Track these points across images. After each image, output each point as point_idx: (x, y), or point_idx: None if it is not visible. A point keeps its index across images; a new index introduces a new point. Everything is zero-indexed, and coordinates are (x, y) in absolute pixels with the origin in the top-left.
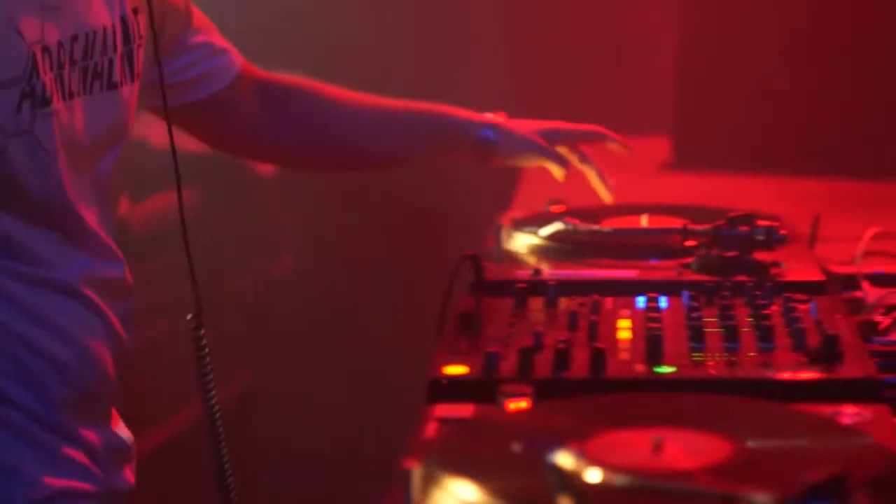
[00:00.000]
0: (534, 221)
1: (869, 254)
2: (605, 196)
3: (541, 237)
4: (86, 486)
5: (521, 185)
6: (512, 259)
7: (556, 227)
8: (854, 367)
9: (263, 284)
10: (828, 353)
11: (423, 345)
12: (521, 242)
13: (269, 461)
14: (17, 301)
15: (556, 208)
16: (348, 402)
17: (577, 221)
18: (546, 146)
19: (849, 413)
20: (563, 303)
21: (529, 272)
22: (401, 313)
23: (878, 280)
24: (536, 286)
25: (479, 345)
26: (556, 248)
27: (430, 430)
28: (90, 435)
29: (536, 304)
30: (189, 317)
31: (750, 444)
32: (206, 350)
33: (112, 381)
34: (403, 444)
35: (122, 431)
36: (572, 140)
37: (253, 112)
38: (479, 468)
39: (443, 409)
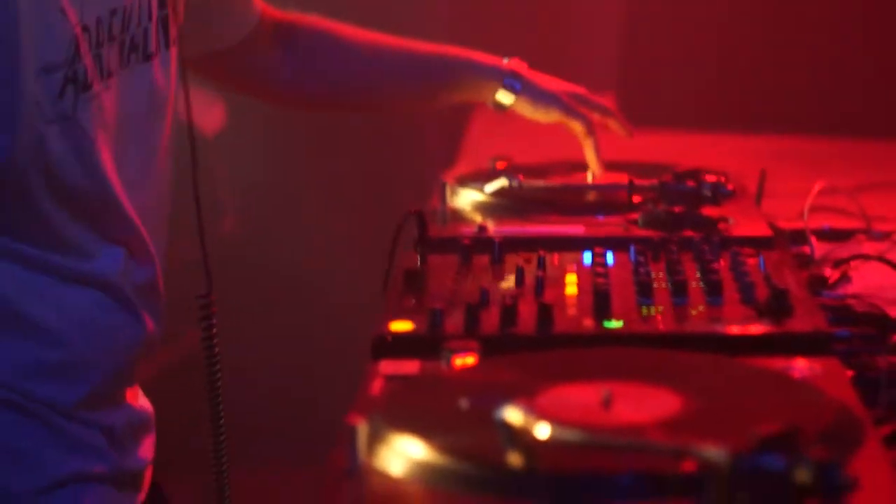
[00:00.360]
0: (478, 178)
1: (816, 209)
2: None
3: (486, 194)
4: (99, 468)
5: (465, 142)
6: (457, 216)
7: (501, 183)
8: (804, 320)
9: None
10: (777, 306)
11: (368, 302)
12: (466, 199)
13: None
14: (47, 294)
15: (500, 165)
16: (295, 359)
17: (522, 178)
18: (570, 104)
19: (799, 367)
20: (509, 259)
21: (474, 229)
22: (345, 271)
23: (826, 235)
24: (482, 243)
25: (425, 301)
26: (502, 205)
27: (376, 386)
28: (109, 418)
29: (482, 260)
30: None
31: (700, 398)
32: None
33: (138, 369)
34: (350, 402)
35: (142, 403)
36: (590, 108)
37: (274, 63)
38: (426, 424)
39: (388, 366)
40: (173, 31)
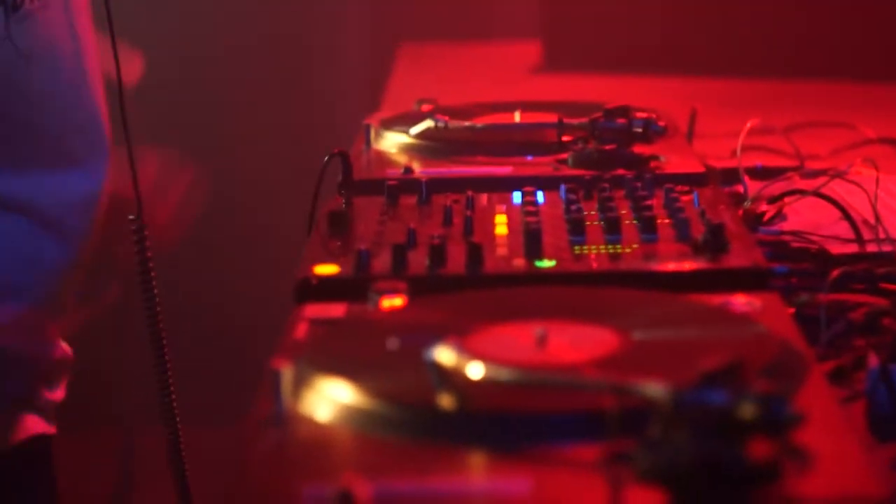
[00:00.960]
0: (403, 121)
1: (748, 148)
2: None
3: (411, 136)
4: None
5: (389, 86)
6: (382, 159)
7: (427, 124)
8: (741, 256)
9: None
10: (713, 242)
11: (293, 246)
12: (391, 142)
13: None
14: None
15: (426, 107)
16: (219, 304)
17: (447, 119)
18: None
19: (739, 302)
20: (437, 200)
21: (400, 171)
22: (269, 214)
23: (759, 173)
24: (408, 184)
25: (350, 244)
26: (428, 147)
27: (300, 330)
28: (37, 348)
29: (409, 202)
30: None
31: (638, 335)
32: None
33: (59, 305)
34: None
35: (65, 347)
36: None
37: None
38: (353, 367)
39: (313, 310)
40: None
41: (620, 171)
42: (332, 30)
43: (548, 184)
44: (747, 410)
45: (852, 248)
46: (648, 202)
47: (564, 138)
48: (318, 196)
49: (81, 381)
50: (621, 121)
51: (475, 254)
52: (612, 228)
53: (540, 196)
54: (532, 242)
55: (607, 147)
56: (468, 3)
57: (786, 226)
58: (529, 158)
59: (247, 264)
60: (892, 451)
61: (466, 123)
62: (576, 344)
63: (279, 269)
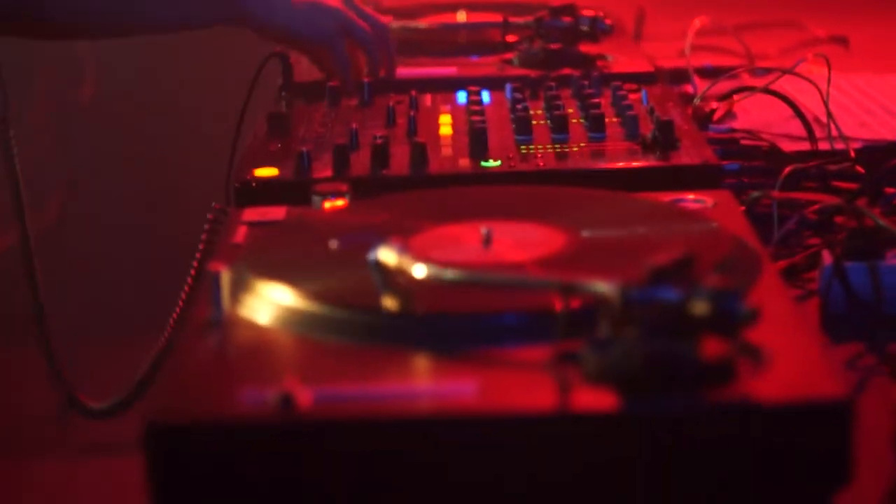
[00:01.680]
0: None
1: (696, 48)
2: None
3: None
4: None
5: None
6: None
7: None
8: (691, 153)
9: (66, 113)
10: (663, 140)
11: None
12: None
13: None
14: None
15: (368, 8)
16: (154, 211)
17: (390, 19)
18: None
19: (690, 200)
20: (379, 102)
21: None
22: (204, 117)
23: (708, 73)
24: (350, 85)
25: (291, 146)
26: None
27: (239, 234)
28: None
29: (350, 104)
30: None
31: (587, 233)
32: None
33: None
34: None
35: None
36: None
37: None
38: (293, 270)
39: (252, 213)
40: None
41: (567, 71)
42: None
43: (493, 84)
44: (699, 307)
45: (804, 146)
46: (596, 101)
47: (510, 38)
48: (251, 95)
49: None
50: (567, 19)
51: (419, 154)
52: (560, 127)
53: (485, 96)
54: (477, 142)
55: (553, 46)
56: None
57: (736, 124)
58: (475, 59)
59: (184, 167)
60: (846, 350)
61: (410, 24)
62: (522, 243)
63: (215, 173)
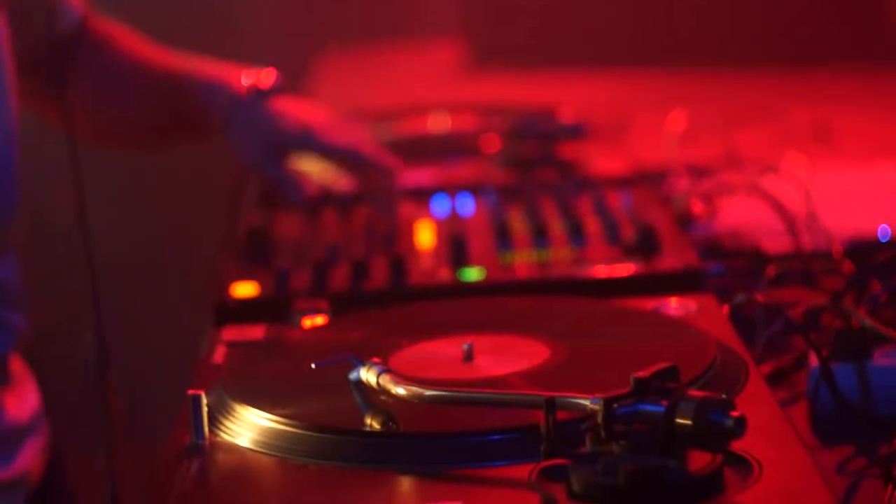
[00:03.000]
0: None
1: (678, 143)
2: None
3: None
4: None
5: (309, 91)
6: (302, 173)
7: None
8: (673, 257)
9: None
10: (645, 245)
11: (211, 265)
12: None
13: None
14: None
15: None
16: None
17: (368, 125)
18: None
19: (673, 306)
20: (359, 212)
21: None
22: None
23: (689, 171)
24: (329, 197)
25: (270, 262)
26: None
27: (218, 355)
28: None
29: (330, 216)
30: None
31: (570, 344)
32: None
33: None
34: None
35: (16, 410)
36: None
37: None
38: (274, 392)
39: (231, 332)
40: None
41: (547, 175)
42: (251, 38)
43: (472, 190)
44: (684, 419)
45: (788, 244)
46: (576, 206)
47: (489, 143)
48: (236, 211)
49: None
50: (546, 124)
51: (398, 267)
52: (540, 234)
53: (464, 203)
54: (457, 252)
55: (533, 151)
56: (386, 3)
57: (719, 223)
58: (452, 164)
59: (165, 285)
60: (836, 453)
61: (387, 131)
62: (504, 356)
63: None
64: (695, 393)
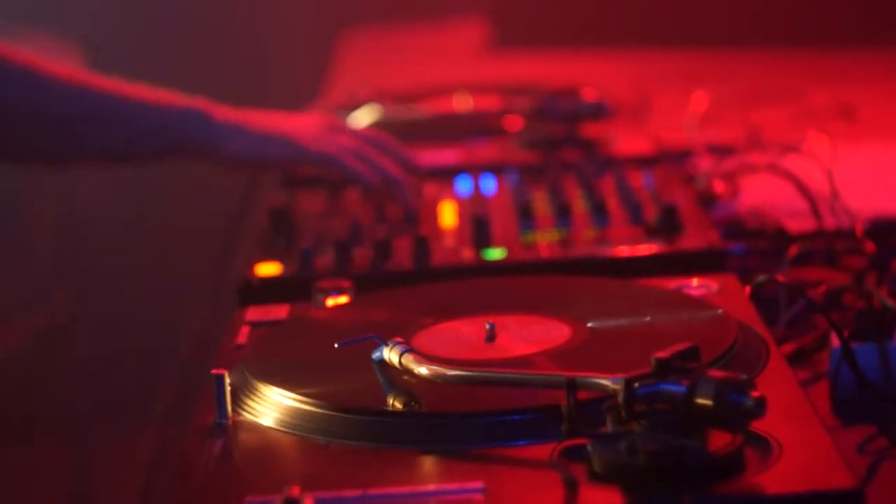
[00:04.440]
0: (345, 108)
1: (700, 123)
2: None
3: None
4: None
5: (333, 72)
6: None
7: (369, 112)
8: (695, 237)
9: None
10: (667, 224)
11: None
12: None
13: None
14: None
15: (366, 94)
16: (157, 311)
17: (391, 105)
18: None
19: (694, 285)
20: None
21: None
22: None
23: (712, 150)
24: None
25: (293, 241)
26: None
27: (242, 335)
28: None
29: (352, 195)
30: None
31: (592, 324)
32: None
33: None
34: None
35: None
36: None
37: None
38: (297, 372)
39: (255, 312)
40: None
41: (569, 155)
42: (274, 18)
43: (495, 169)
44: (705, 399)
45: (810, 224)
46: (599, 185)
47: (512, 123)
48: (253, 191)
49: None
50: (569, 103)
51: (421, 247)
52: (563, 214)
53: (487, 182)
54: (480, 232)
55: (555, 130)
56: None
57: (741, 203)
58: (475, 144)
59: (186, 266)
60: (856, 434)
61: (409, 111)
62: (526, 336)
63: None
64: (715, 373)
